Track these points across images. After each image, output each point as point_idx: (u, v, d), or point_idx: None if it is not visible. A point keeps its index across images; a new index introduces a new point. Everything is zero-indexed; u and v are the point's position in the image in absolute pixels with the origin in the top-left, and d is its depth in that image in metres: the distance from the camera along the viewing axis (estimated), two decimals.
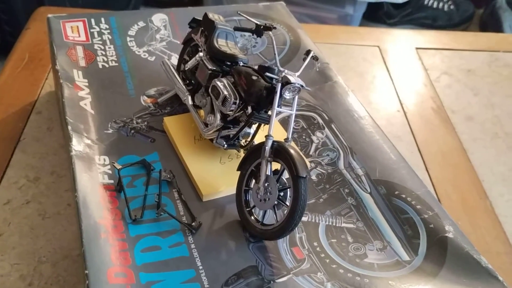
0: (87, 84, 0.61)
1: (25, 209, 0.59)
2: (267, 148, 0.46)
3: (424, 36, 1.00)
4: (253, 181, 0.49)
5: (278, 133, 0.53)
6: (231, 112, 0.51)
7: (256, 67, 0.51)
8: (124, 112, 0.59)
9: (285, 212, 0.45)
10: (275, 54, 0.49)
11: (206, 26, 0.57)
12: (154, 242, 0.46)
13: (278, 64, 0.49)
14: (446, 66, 0.91)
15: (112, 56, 0.66)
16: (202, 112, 0.56)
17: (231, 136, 0.53)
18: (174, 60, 0.67)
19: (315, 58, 0.52)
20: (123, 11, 0.73)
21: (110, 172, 0.52)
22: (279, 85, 0.47)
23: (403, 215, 0.51)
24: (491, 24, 1.98)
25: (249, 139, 0.54)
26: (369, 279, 0.46)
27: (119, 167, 0.51)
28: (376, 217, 0.51)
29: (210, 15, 0.57)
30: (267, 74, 0.49)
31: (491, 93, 0.86)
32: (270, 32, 0.50)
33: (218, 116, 0.52)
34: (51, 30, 0.68)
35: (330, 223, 0.50)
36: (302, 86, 0.47)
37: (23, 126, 0.69)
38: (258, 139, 0.53)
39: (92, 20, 0.70)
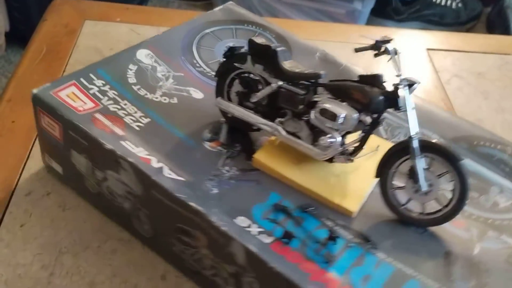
0: (148, 152, 0.54)
1: (46, 200, 0.61)
2: (417, 146, 0.50)
3: (435, 36, 1.01)
4: (394, 180, 0.52)
5: (373, 141, 0.55)
6: (351, 128, 0.52)
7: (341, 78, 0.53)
8: (205, 167, 0.55)
9: (451, 195, 0.50)
10: (397, 62, 0.51)
11: (260, 53, 0.56)
12: (363, 272, 0.48)
13: (400, 70, 0.51)
14: (457, 69, 0.92)
15: (136, 112, 0.59)
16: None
17: (346, 149, 0.54)
18: (194, 93, 0.63)
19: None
20: (103, 58, 0.64)
21: (261, 229, 0.50)
22: (407, 88, 0.50)
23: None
24: (499, 23, 1.98)
25: (354, 147, 0.54)
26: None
27: (274, 219, 0.51)
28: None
29: (258, 40, 0.56)
30: (380, 81, 0.51)
31: (501, 97, 0.87)
32: (389, 44, 0.52)
33: (339, 135, 0.53)
34: (54, 110, 0.56)
35: None
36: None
37: None
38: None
39: (82, 80, 0.60)
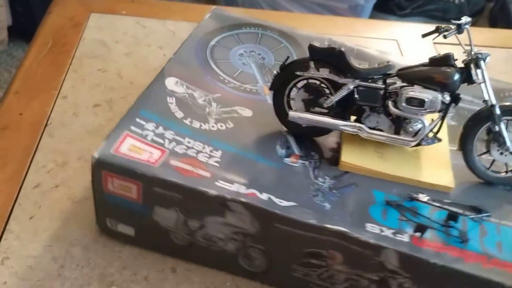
0: (245, 186, 0.52)
1: (55, 192, 0.61)
2: (499, 112, 0.54)
3: None
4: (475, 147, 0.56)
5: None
6: (436, 110, 0.55)
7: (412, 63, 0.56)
8: (302, 184, 0.53)
9: None
10: (470, 40, 0.55)
11: (325, 57, 0.55)
12: (492, 240, 0.50)
13: (473, 47, 0.55)
14: None
15: (204, 148, 0.55)
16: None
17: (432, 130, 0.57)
18: (242, 112, 0.61)
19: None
20: (137, 98, 0.59)
21: (392, 230, 0.50)
22: (482, 61, 0.54)
23: None
24: (501, 18, 1.98)
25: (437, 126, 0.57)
26: None
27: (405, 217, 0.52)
28: None
29: (317, 44, 0.55)
30: (452, 60, 0.54)
31: None
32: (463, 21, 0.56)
33: (426, 120, 0.55)
34: (130, 170, 0.51)
35: None
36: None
37: (50, 110, 0.70)
38: None
39: (133, 128, 0.55)
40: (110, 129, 0.55)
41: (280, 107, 0.58)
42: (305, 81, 0.57)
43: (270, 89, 0.58)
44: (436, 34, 0.56)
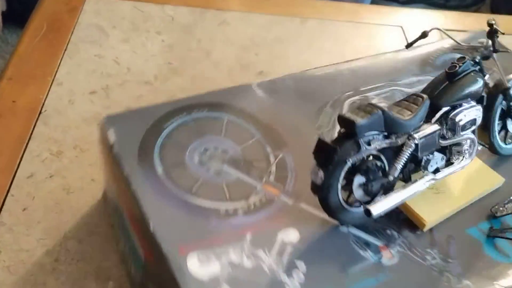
0: None
1: (49, 183, 0.58)
2: None
3: (447, 17, 0.98)
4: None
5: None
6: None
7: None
8: (426, 279, 0.47)
9: None
10: (495, 42, 0.56)
11: (372, 126, 0.47)
12: None
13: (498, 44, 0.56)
14: None
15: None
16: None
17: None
18: (286, 237, 0.47)
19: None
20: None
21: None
22: (494, 54, 0.55)
23: None
24: (503, 5, 1.96)
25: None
26: None
27: None
28: None
29: (347, 115, 0.46)
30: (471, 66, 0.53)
31: None
32: (440, 29, 0.55)
33: (472, 134, 0.54)
34: None
35: None
36: None
37: (44, 97, 0.68)
38: None
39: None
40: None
41: (335, 207, 0.47)
42: (351, 165, 0.46)
43: (315, 194, 0.47)
44: (417, 41, 0.55)
